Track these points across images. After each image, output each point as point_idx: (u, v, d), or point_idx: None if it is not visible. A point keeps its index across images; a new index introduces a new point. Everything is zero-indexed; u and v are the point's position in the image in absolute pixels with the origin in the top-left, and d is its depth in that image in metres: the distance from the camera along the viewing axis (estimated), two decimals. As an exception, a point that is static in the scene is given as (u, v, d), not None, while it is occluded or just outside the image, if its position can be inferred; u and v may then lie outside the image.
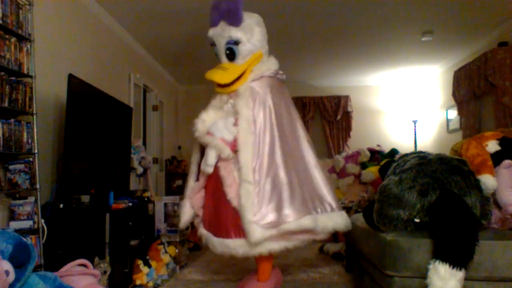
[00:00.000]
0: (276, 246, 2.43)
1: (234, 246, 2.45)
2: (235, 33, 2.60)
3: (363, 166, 5.49)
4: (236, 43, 2.61)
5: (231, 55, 2.65)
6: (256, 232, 2.33)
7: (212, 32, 2.69)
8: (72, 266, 2.25)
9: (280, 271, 2.88)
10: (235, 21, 2.59)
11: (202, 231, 2.67)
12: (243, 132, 2.50)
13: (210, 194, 2.66)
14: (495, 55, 4.63)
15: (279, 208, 2.41)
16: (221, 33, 2.63)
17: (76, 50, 3.71)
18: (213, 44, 2.73)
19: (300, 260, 3.82)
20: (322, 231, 2.49)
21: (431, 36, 4.99)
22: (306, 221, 2.40)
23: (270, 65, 2.76)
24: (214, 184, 2.62)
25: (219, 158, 2.58)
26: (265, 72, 2.69)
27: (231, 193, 2.49)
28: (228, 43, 2.62)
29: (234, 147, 2.52)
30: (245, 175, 2.42)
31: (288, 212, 2.41)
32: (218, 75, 2.62)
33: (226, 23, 2.62)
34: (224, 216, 2.52)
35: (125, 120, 3.97)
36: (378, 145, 6.11)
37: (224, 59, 2.69)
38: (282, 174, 2.47)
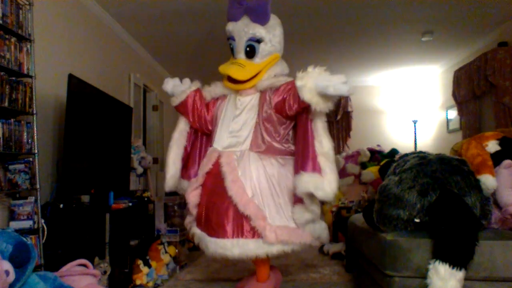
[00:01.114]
0: (273, 249, 2.39)
1: (231, 246, 2.37)
2: (259, 31, 2.55)
3: (363, 166, 5.48)
4: (259, 41, 2.57)
5: (251, 53, 2.59)
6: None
7: (232, 26, 2.62)
8: (72, 266, 2.24)
9: (279, 271, 2.87)
10: (263, 19, 2.55)
11: (196, 230, 2.59)
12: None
13: (208, 191, 2.56)
14: (495, 55, 4.63)
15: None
16: (244, 28, 2.57)
17: (76, 50, 3.71)
18: (230, 38, 2.66)
19: (300, 260, 3.82)
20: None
21: (431, 36, 4.99)
22: None
23: (284, 68, 2.76)
24: (213, 181, 2.54)
25: (220, 155, 2.56)
26: (279, 74, 2.69)
27: (233, 189, 2.42)
28: (250, 39, 2.57)
29: None
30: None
31: None
32: (236, 71, 2.55)
33: (250, 20, 2.56)
34: (222, 213, 2.44)
35: (125, 120, 3.96)
36: (378, 145, 6.10)
37: (241, 55, 2.61)
38: None
